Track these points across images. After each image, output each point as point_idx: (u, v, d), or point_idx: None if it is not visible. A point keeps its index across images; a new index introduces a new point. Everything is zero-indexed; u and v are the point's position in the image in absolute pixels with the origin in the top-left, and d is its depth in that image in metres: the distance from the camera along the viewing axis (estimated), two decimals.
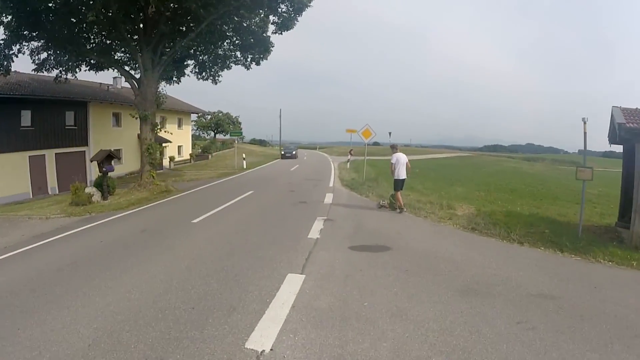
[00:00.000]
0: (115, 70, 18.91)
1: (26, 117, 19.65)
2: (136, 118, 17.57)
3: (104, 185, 14.98)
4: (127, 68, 19.41)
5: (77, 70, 19.90)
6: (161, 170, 28.52)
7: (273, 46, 20.74)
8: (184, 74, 23.13)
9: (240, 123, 63.86)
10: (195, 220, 9.92)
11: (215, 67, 22.55)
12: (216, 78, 23.06)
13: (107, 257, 6.88)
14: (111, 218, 11.04)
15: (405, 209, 10.99)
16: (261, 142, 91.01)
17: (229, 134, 34.96)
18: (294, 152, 43.32)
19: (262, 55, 20.98)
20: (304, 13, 18.25)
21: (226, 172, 25.98)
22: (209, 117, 60.76)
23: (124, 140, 26.82)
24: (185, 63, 22.33)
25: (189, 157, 36.17)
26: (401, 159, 11.19)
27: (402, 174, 11.15)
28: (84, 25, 15.88)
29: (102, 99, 24.31)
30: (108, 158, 15.93)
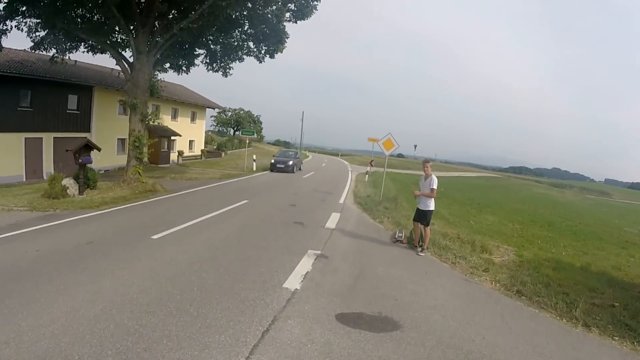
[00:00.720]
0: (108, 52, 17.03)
1: (25, 98, 18.73)
2: (122, 104, 15.70)
3: (80, 179, 13.41)
4: (124, 51, 17.39)
5: (73, 51, 18.40)
6: (167, 165, 27.33)
7: (288, 37, 18.64)
8: (193, 64, 21.14)
9: (261, 122, 62.31)
10: (157, 236, 7.93)
11: (226, 58, 20.46)
12: (227, 70, 21.10)
13: (13, 281, 5.25)
14: (71, 219, 9.60)
15: (426, 248, 8.39)
16: (285, 144, 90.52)
17: (240, 132, 32.69)
18: (290, 163, 26.53)
19: (276, 47, 18.76)
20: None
21: (232, 173, 23.95)
22: (230, 113, 59.38)
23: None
24: (195, 52, 20.35)
25: (200, 153, 34.32)
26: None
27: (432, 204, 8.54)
28: None
29: (109, 85, 22.55)
30: (86, 148, 14.14)
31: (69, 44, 17.73)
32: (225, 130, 61.65)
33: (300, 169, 28.70)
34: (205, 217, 10.18)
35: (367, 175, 25.55)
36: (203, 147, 35.59)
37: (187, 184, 18.03)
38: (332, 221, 10.69)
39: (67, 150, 13.95)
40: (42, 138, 19.70)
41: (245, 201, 13.22)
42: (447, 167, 76.70)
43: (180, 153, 30.42)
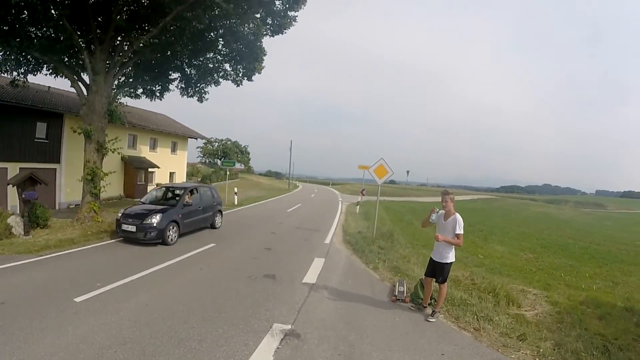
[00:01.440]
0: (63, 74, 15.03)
1: None
2: (77, 132, 13.60)
3: (24, 217, 11.70)
4: (84, 72, 15.39)
5: (35, 73, 16.36)
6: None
7: (265, 54, 16.77)
8: (167, 89, 19.19)
9: (248, 153, 60.42)
10: (81, 298, 6.12)
11: (201, 81, 18.62)
12: (202, 95, 19.16)
13: None
14: None
15: (438, 311, 6.22)
16: (277, 175, 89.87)
17: (222, 164, 30.63)
18: (153, 221, 10.78)
19: (253, 67, 16.92)
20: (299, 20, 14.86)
21: None
22: (216, 144, 57.55)
23: (106, 160, 23.11)
24: (170, 76, 18.49)
25: None
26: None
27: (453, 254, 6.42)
28: (12, 10, 12.06)
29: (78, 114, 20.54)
30: (30, 182, 12.04)
31: (27, 65, 15.73)
32: (212, 161, 59.70)
33: (214, 224, 14.27)
34: (155, 269, 8.07)
35: (358, 207, 23.39)
36: (185, 179, 33.33)
37: None
38: (314, 272, 8.46)
39: (7, 184, 11.90)
40: (7, 168, 17.71)
41: (212, 245, 11.07)
42: (438, 191, 75.22)
43: (158, 185, 28.10)
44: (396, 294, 6.86)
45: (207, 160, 60.10)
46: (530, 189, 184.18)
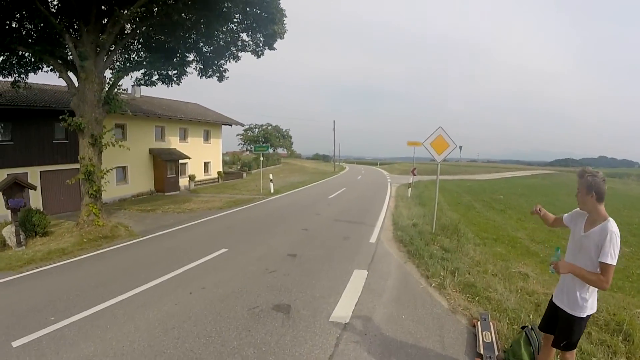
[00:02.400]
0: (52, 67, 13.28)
1: (5, 130, 16.78)
2: (66, 126, 11.71)
3: (15, 227, 10.48)
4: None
5: (36, 71, 14.85)
6: (175, 193, 23.64)
7: (285, 16, 14.18)
8: (185, 72, 17.10)
9: (290, 137, 58.19)
10: (19, 342, 4.58)
11: (219, 59, 16.40)
12: (223, 74, 17.07)
13: None
14: None
15: None
16: (324, 158, 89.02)
17: (253, 149, 28.45)
18: None
19: (273, 30, 14.28)
20: None
21: (243, 198, 19.68)
22: (257, 130, 55.85)
23: (130, 156, 21.81)
24: (186, 58, 16.40)
25: (216, 176, 30.43)
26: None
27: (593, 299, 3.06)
28: None
29: None
30: (17, 187, 10.36)
31: (19, 64, 14.32)
32: (251, 148, 58.34)
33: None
34: (134, 293, 6.20)
35: (409, 189, 20.28)
36: (221, 169, 31.70)
37: (176, 218, 14.07)
38: (350, 297, 5.73)
39: None
40: (27, 173, 17.10)
41: (223, 250, 8.73)
42: (493, 168, 70.51)
43: (191, 177, 26.63)
44: (481, 351, 4.01)
45: (248, 148, 58.75)
46: (586, 162, 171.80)
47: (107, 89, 13.08)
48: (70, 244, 10.17)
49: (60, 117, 11.58)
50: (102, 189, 12.65)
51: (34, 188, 11.97)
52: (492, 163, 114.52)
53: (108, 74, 13.68)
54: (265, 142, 55.27)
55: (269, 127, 56.33)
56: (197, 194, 22.74)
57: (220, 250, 8.74)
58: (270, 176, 23.19)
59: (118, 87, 13.67)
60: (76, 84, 12.32)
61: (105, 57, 12.62)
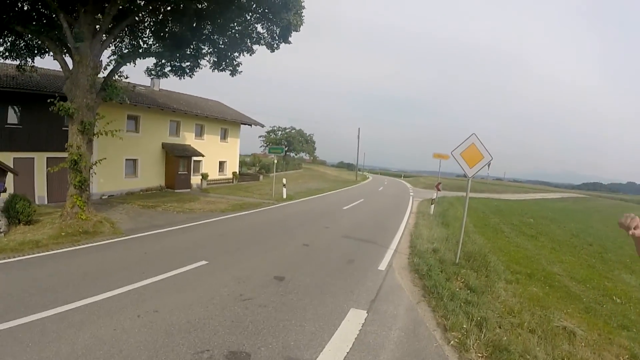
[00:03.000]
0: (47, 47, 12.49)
1: (13, 114, 16.30)
2: (56, 110, 10.74)
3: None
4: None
5: (42, 55, 14.27)
6: (186, 190, 22.53)
7: (303, 7, 13.01)
8: (198, 64, 16.15)
9: (314, 142, 56.87)
10: None
11: (233, 51, 15.36)
12: (236, 67, 15.99)
13: None
14: None
15: None
16: (348, 166, 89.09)
17: (268, 150, 27.22)
18: None
19: (288, 20, 13.11)
20: None
21: (253, 202, 18.49)
22: (280, 133, 54.75)
23: (141, 149, 21.24)
24: (201, 49, 15.45)
25: (231, 176, 29.32)
26: None
27: None
28: None
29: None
30: None
31: (29, 49, 13.74)
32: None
33: None
34: (77, 305, 5.19)
35: (432, 206, 18.47)
36: (236, 169, 30.60)
37: (172, 218, 12.98)
38: (334, 354, 4.15)
39: None
40: (33, 158, 16.72)
41: (201, 263, 7.47)
42: (520, 187, 67.66)
43: (204, 176, 25.55)
44: None
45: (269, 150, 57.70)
46: (614, 187, 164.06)
47: (106, 74, 12.28)
48: (47, 236, 9.27)
49: (48, 101, 10.60)
50: (90, 180, 11.62)
51: (17, 173, 11.11)
52: (519, 183, 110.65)
53: (108, 59, 12.85)
54: (288, 145, 54.24)
55: (293, 131, 55.18)
56: (207, 194, 21.64)
57: (199, 263, 7.47)
58: (284, 181, 21.88)
59: (119, 74, 12.81)
60: (71, 67, 11.40)
61: (102, 41, 11.70)
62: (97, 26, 11.38)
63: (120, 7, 11.26)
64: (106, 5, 11.35)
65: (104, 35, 11.79)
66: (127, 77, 13.06)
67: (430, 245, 9.79)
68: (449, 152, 8.57)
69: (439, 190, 21.21)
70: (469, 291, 6.34)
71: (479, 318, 5.18)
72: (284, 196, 20.53)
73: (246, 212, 15.04)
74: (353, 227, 12.67)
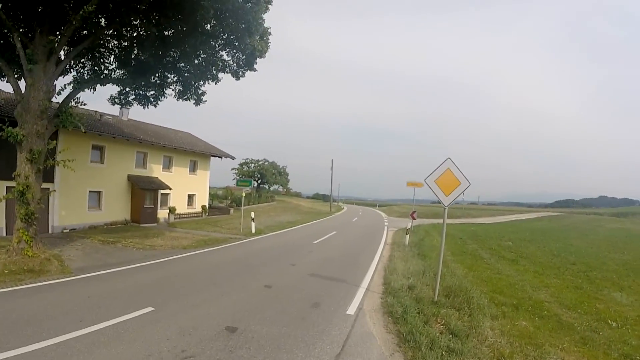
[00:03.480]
0: None
1: None
2: (3, 136, 9.89)
3: None
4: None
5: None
6: (152, 225, 21.31)
7: (269, 34, 13.06)
8: (163, 93, 15.46)
9: (287, 174, 55.99)
10: None
11: (198, 80, 14.87)
12: (200, 97, 15.49)
13: None
14: None
15: None
16: (324, 197, 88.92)
17: (236, 184, 26.23)
18: None
19: (253, 46, 12.69)
20: None
21: (220, 237, 17.36)
22: (252, 165, 53.70)
23: (106, 181, 20.05)
24: (166, 78, 14.83)
25: (200, 210, 27.98)
26: None
27: None
28: None
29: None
30: None
31: None
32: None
33: None
34: None
35: (407, 236, 17.67)
36: (206, 203, 29.30)
37: (129, 256, 11.98)
38: None
39: None
40: None
41: (147, 310, 6.52)
42: (495, 210, 68.27)
43: (172, 210, 24.21)
44: None
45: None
46: (586, 202, 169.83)
47: (60, 100, 11.70)
48: None
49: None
50: (36, 214, 10.48)
51: None
52: (493, 205, 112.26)
53: (68, 85, 12.31)
54: (261, 177, 53.16)
55: (266, 163, 54.25)
56: (173, 228, 20.37)
57: (144, 310, 6.54)
58: (252, 215, 20.80)
59: (76, 100, 12.07)
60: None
61: (57, 64, 10.93)
62: (53, 48, 10.60)
63: (78, 29, 10.68)
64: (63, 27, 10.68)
65: (59, 58, 11.08)
66: (84, 104, 12.36)
67: (405, 281, 8.89)
68: (422, 179, 7.85)
69: (414, 218, 20.60)
70: (450, 336, 5.47)
71: None
72: (253, 231, 19.43)
73: (210, 249, 13.96)
74: (322, 264, 11.71)
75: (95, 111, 22.11)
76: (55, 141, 11.31)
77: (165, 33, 12.46)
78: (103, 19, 11.60)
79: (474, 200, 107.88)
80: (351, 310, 7.01)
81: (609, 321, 7.46)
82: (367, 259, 12.86)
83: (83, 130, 12.64)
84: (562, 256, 17.08)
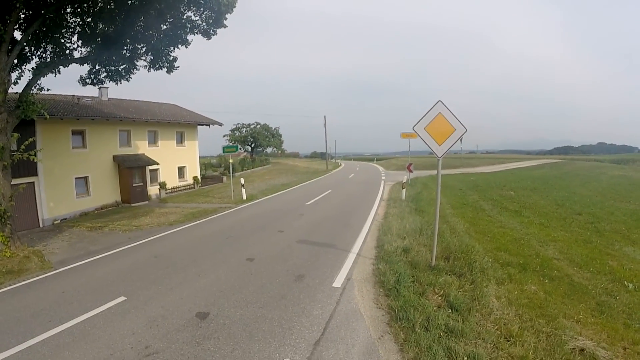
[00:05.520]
0: None
1: None
2: None
3: None
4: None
5: None
6: (143, 203, 20.66)
7: None
8: (135, 67, 14.43)
9: (280, 135, 54.53)
10: None
11: (169, 46, 13.80)
12: (172, 64, 14.42)
13: None
14: None
15: None
16: (322, 155, 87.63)
17: (223, 150, 25.06)
18: None
19: (219, 4, 11.58)
20: None
21: (210, 208, 16.76)
22: (244, 130, 52.17)
23: (91, 165, 19.16)
24: (135, 49, 13.67)
25: (192, 182, 27.14)
26: None
27: None
28: None
29: (55, 114, 16.50)
30: None
31: None
32: (243, 149, 54.67)
33: None
34: None
35: (404, 190, 16.86)
36: (197, 173, 28.41)
37: (114, 240, 11.33)
38: None
39: None
40: None
41: (120, 300, 6.04)
42: (495, 159, 67.02)
43: (162, 185, 23.37)
44: None
45: (239, 149, 55.27)
46: (585, 149, 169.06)
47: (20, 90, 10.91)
48: None
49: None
50: (8, 212, 9.93)
51: None
52: (492, 154, 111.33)
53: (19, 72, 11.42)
54: (254, 141, 51.79)
55: (257, 126, 52.67)
56: (164, 204, 19.64)
57: (116, 300, 6.10)
58: (242, 181, 20.00)
59: (37, 86, 11.29)
60: None
61: (8, 52, 9.92)
62: (1, 37, 9.53)
63: (23, 12, 9.50)
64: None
65: (9, 46, 9.96)
66: (48, 90, 11.57)
67: (400, 242, 8.15)
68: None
69: (410, 171, 19.77)
70: (450, 310, 4.74)
71: (466, 359, 3.56)
72: (244, 197, 18.68)
73: (197, 222, 13.29)
74: (312, 228, 11.00)
75: (73, 95, 21.01)
76: (17, 134, 10.67)
77: (129, 3, 11.46)
78: None
79: (472, 149, 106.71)
80: (338, 282, 6.29)
81: (625, 282, 6.74)
82: (361, 219, 12.13)
83: (46, 117, 11.63)
84: (566, 206, 16.33)
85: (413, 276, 5.96)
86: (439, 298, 5.17)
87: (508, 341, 4.09)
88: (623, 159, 79.59)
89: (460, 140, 10.55)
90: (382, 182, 26.29)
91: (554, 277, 6.68)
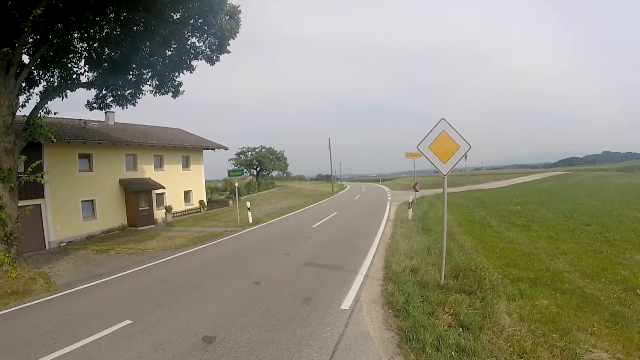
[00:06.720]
0: None
1: None
2: None
3: None
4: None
5: None
6: (149, 227, 20.77)
7: (240, 12, 12.76)
8: (140, 91, 14.94)
9: (285, 158, 55.07)
10: None
11: (174, 71, 14.27)
12: (177, 89, 14.88)
13: None
14: None
15: None
16: (327, 178, 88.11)
17: (228, 174, 25.28)
18: None
19: (222, 30, 11.98)
20: None
21: (216, 232, 16.65)
22: (250, 153, 52.68)
23: (97, 188, 19.46)
24: (140, 74, 14.18)
25: (198, 205, 27.24)
26: None
27: None
28: None
29: (62, 138, 16.85)
30: None
31: None
32: (249, 172, 55.10)
33: None
34: None
35: (410, 210, 16.79)
36: (204, 197, 28.54)
37: (120, 264, 11.34)
38: None
39: None
40: None
41: (125, 324, 5.98)
42: (500, 174, 66.82)
43: (168, 209, 23.51)
44: None
45: (244, 173, 55.65)
46: (590, 159, 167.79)
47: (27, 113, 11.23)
48: None
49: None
50: (15, 234, 10.00)
51: None
52: (497, 169, 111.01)
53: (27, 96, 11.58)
54: (259, 165, 52.24)
55: (262, 150, 53.26)
56: (170, 228, 19.74)
57: (121, 324, 6.05)
58: (248, 204, 20.02)
59: (44, 110, 11.53)
60: None
61: (16, 77, 10.13)
62: (10, 60, 9.77)
63: (31, 37, 9.93)
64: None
65: (17, 69, 10.18)
66: (55, 113, 11.77)
67: (409, 262, 8.06)
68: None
69: (416, 191, 19.72)
70: (461, 329, 4.64)
71: None
72: (250, 221, 18.68)
73: (203, 246, 13.29)
74: (319, 250, 10.92)
75: (80, 119, 21.64)
76: (25, 156, 10.64)
77: (135, 29, 11.90)
78: (60, 23, 10.80)
79: (477, 166, 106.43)
80: (346, 304, 6.18)
81: (638, 290, 6.60)
82: (368, 240, 12.04)
83: (53, 140, 11.88)
84: (574, 217, 16.13)
85: (422, 296, 5.88)
86: (449, 317, 5.08)
87: (521, 358, 4.00)
88: (629, 167, 79.03)
89: (465, 158, 10.48)
90: (388, 202, 26.21)
91: (565, 290, 6.56)
